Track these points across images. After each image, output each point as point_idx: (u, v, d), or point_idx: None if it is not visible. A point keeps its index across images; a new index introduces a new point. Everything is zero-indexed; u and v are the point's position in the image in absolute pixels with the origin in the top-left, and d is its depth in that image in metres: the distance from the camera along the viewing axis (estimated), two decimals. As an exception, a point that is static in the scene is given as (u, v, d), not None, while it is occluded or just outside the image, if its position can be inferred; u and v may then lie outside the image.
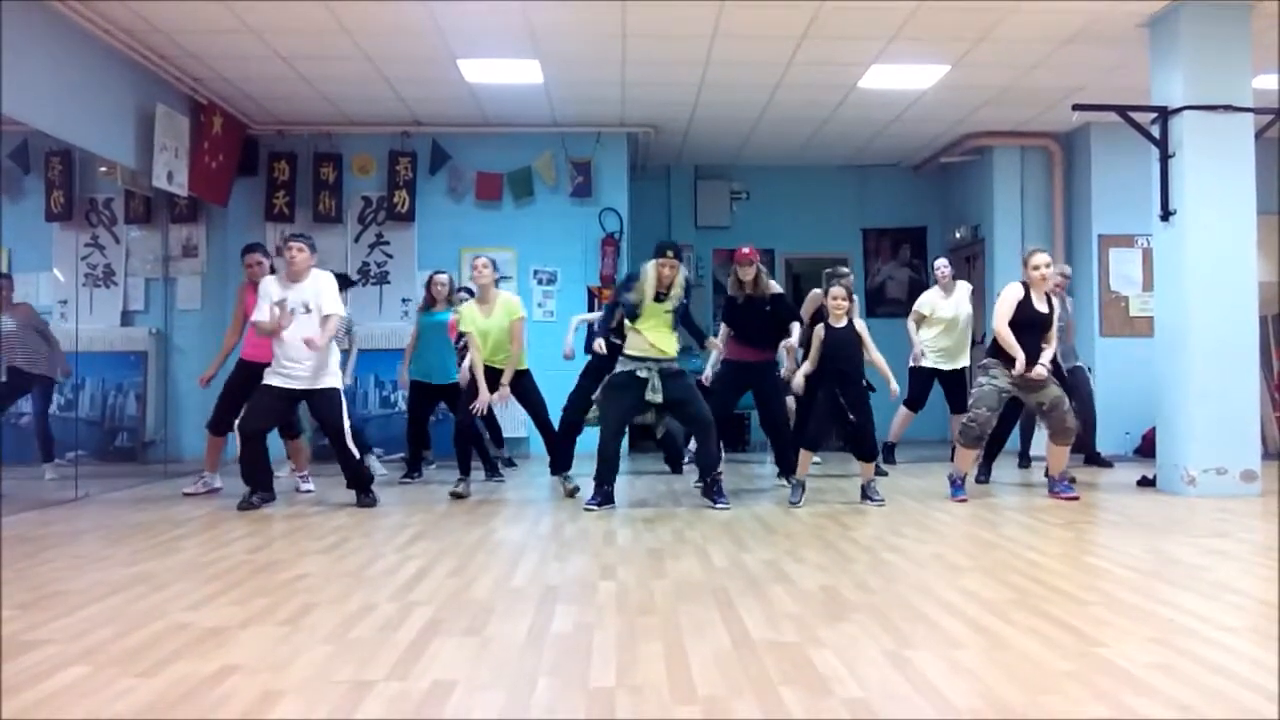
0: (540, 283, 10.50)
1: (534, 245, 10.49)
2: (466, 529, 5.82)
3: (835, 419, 6.85)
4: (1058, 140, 10.78)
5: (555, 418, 7.60)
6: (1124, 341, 10.20)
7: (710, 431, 6.73)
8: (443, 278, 8.44)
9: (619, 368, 6.70)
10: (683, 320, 6.82)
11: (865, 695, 2.82)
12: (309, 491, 7.43)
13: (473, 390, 7.14)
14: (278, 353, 6.65)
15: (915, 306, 9.07)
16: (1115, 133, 8.72)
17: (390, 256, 10.49)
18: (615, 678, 2.98)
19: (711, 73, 8.71)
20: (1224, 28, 7.10)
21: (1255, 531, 5.70)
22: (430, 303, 8.40)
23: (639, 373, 6.58)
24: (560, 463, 7.48)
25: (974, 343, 10.48)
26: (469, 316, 7.17)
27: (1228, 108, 7.10)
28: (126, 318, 9.96)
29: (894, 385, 6.87)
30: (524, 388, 7.35)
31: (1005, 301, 6.88)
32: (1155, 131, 7.34)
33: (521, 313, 7.28)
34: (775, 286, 7.72)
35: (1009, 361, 6.75)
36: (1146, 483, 7.52)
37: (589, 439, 7.24)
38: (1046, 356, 6.80)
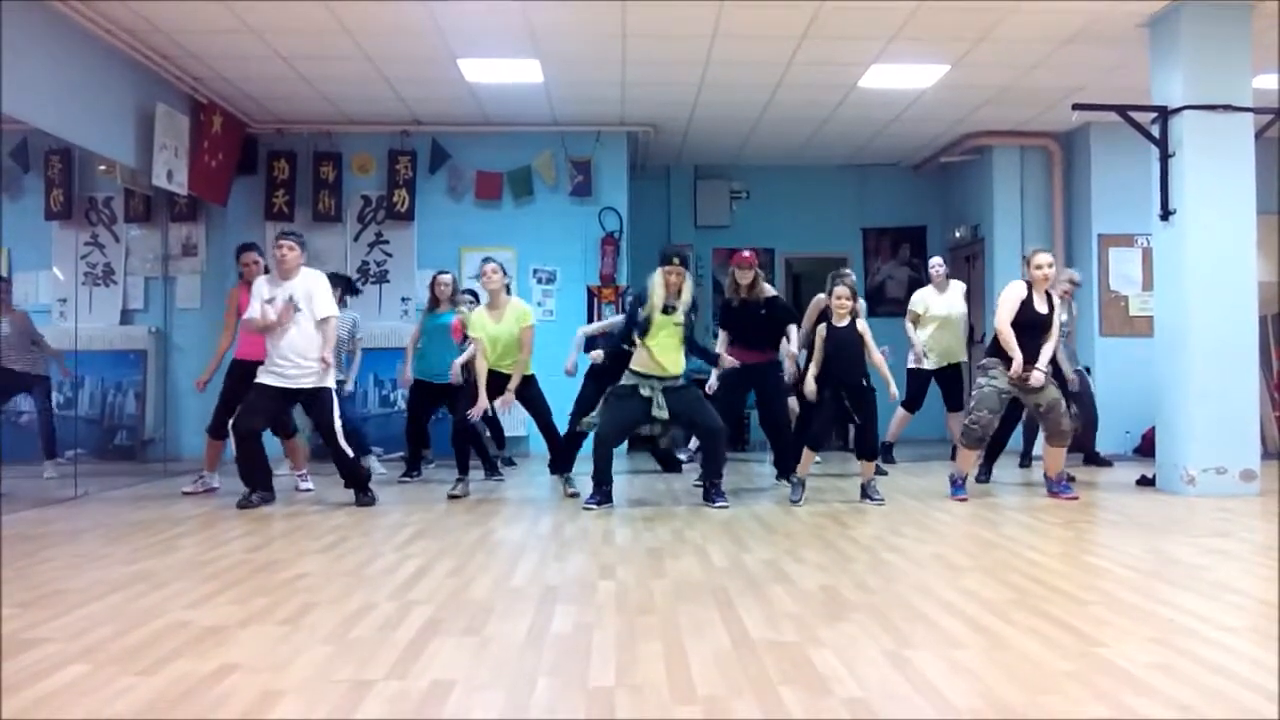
0: (540, 282, 10.50)
1: (534, 244, 10.49)
2: (466, 528, 5.82)
3: (839, 419, 6.86)
4: (1058, 140, 10.78)
5: (556, 420, 7.58)
6: (1124, 341, 10.20)
7: (720, 439, 6.72)
8: (446, 278, 8.44)
9: (624, 381, 6.69)
10: (690, 346, 6.74)
11: (865, 695, 2.82)
12: (308, 490, 7.43)
13: (471, 390, 7.14)
14: (270, 351, 6.65)
15: (910, 305, 9.10)
16: (1115, 132, 8.72)
17: (390, 256, 10.49)
18: (615, 677, 2.98)
19: (711, 72, 8.71)
20: (1224, 27, 7.10)
21: (1255, 531, 5.70)
22: (434, 304, 8.40)
23: (642, 390, 6.56)
24: (562, 463, 7.47)
25: (975, 341, 10.51)
26: (479, 322, 7.17)
27: (1228, 107, 7.10)
28: (126, 316, 9.97)
29: (893, 389, 6.89)
30: (529, 393, 7.33)
31: (1008, 300, 6.87)
32: (1155, 131, 7.34)
33: (532, 320, 7.28)
34: (770, 289, 7.71)
35: (1009, 361, 6.75)
36: (1146, 482, 7.53)
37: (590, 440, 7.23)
38: (1046, 356, 6.80)
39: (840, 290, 6.81)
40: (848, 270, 8.03)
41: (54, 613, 3.78)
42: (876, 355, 6.80)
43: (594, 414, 6.90)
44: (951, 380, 8.99)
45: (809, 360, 7.02)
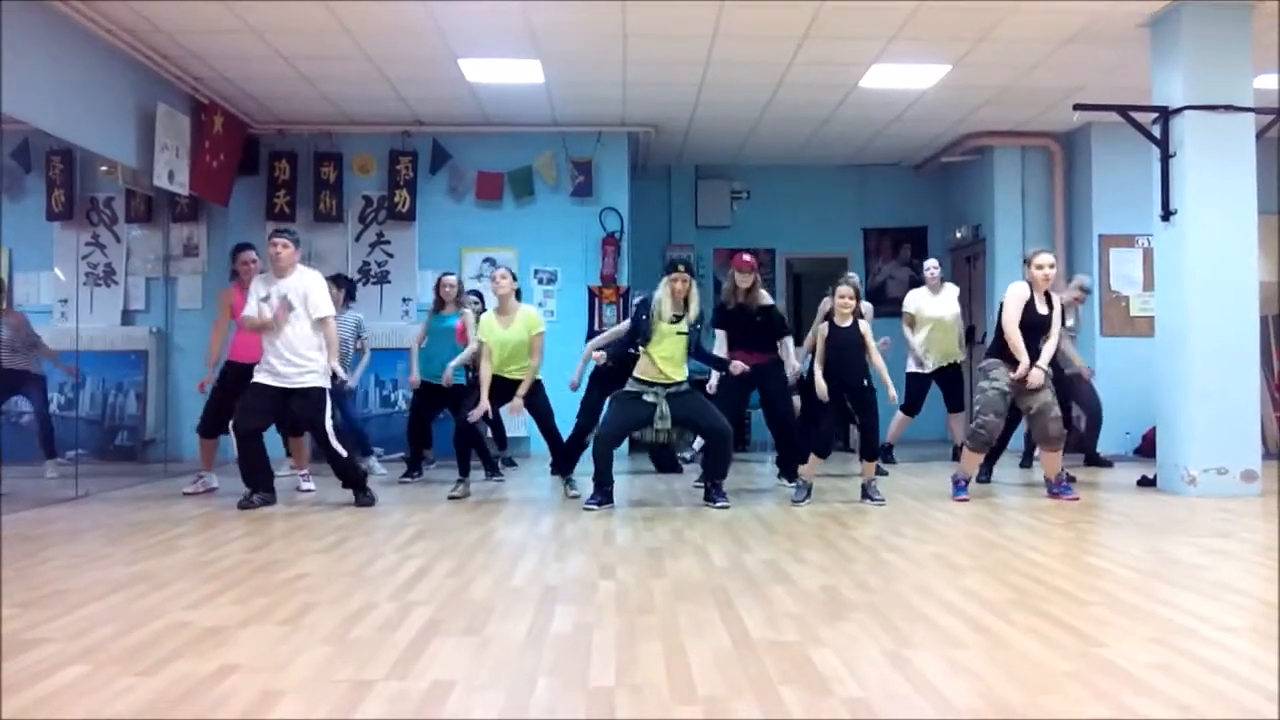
0: (541, 282, 10.49)
1: (534, 245, 10.49)
2: (466, 528, 5.82)
3: (840, 420, 6.86)
4: (1058, 140, 10.78)
5: (557, 421, 7.56)
6: (1124, 341, 10.19)
7: (727, 441, 6.72)
8: (451, 279, 8.44)
9: (628, 388, 6.69)
10: (698, 354, 6.75)
11: (865, 695, 2.82)
12: (309, 491, 7.43)
13: (474, 391, 7.15)
14: (267, 350, 6.65)
15: (904, 306, 9.09)
16: (1116, 132, 8.72)
17: (391, 256, 10.49)
18: (615, 677, 2.98)
19: (712, 73, 8.71)
20: (1225, 28, 7.10)
21: (1256, 531, 5.70)
22: (439, 305, 8.40)
23: (646, 397, 6.58)
24: (564, 464, 7.46)
25: (976, 342, 10.51)
26: (487, 326, 7.19)
27: (1228, 108, 7.10)
28: (127, 317, 9.97)
29: (892, 391, 6.90)
30: (535, 399, 7.32)
31: (1014, 301, 6.82)
32: (1156, 131, 7.34)
33: (542, 327, 7.30)
34: (767, 298, 7.67)
35: (1013, 362, 6.74)
36: (1147, 483, 7.52)
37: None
38: (1046, 357, 6.79)
39: (844, 290, 6.79)
40: (852, 273, 8.04)
41: (54, 613, 3.78)
42: (877, 358, 6.80)
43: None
44: (951, 381, 8.99)
45: (814, 362, 7.00)
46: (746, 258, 7.53)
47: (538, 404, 7.35)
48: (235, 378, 7.13)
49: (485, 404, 7.06)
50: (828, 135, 10.84)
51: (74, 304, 9.23)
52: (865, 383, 6.74)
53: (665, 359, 6.57)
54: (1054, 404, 6.78)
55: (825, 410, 6.79)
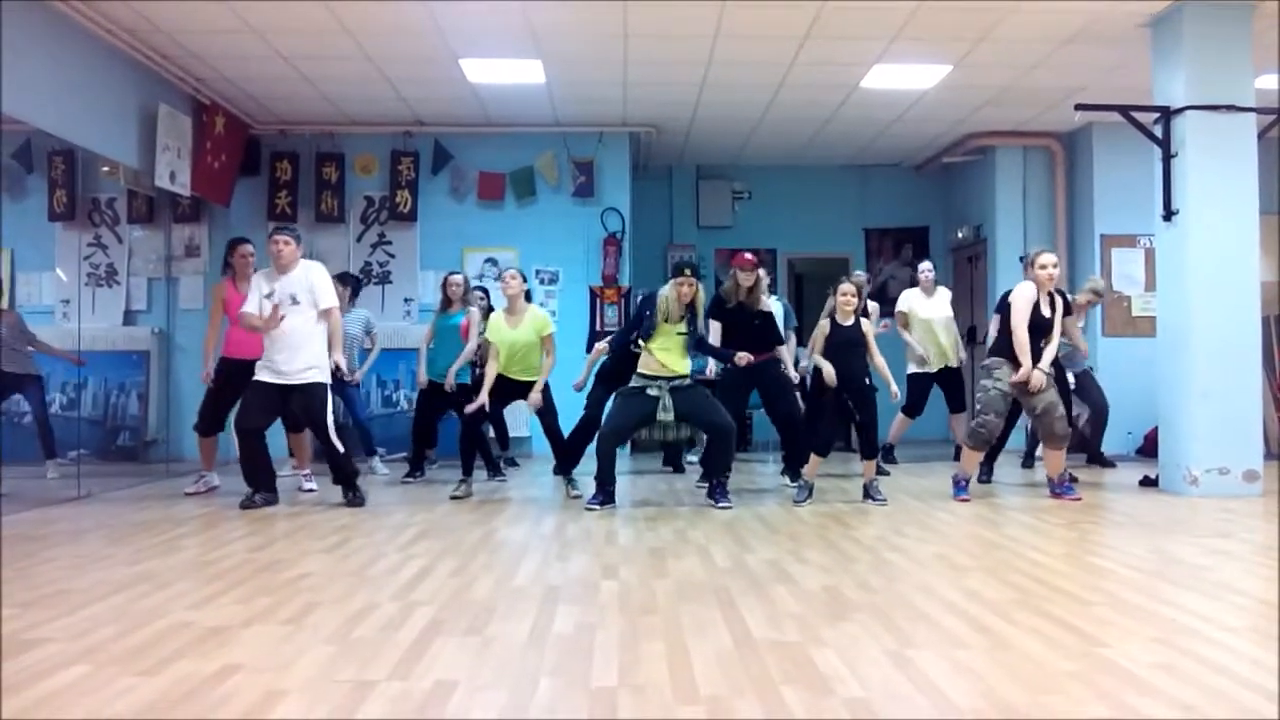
0: (542, 282, 10.49)
1: (536, 245, 10.49)
2: (469, 528, 5.82)
3: (840, 419, 6.85)
4: (1060, 140, 10.77)
5: (560, 423, 7.57)
6: (1126, 341, 10.19)
7: (730, 438, 6.72)
8: (457, 279, 8.44)
9: (632, 384, 6.71)
10: (700, 345, 6.79)
11: (867, 695, 2.82)
12: (311, 491, 7.43)
13: (479, 390, 7.18)
14: (268, 348, 6.63)
15: (897, 308, 9.09)
16: (1117, 133, 8.71)
17: (392, 256, 10.49)
18: (617, 677, 2.98)
19: (713, 73, 8.71)
20: (1226, 28, 7.10)
21: (1258, 532, 5.70)
22: (446, 304, 8.40)
23: (650, 390, 6.60)
24: (566, 463, 7.46)
25: (976, 342, 10.51)
26: (496, 327, 7.21)
27: (1230, 108, 7.10)
28: (129, 317, 9.98)
29: (894, 388, 6.90)
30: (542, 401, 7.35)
31: (1023, 302, 6.79)
32: (1158, 131, 7.34)
33: (552, 328, 7.33)
34: (766, 304, 7.62)
35: (1016, 362, 6.73)
36: (1149, 483, 7.52)
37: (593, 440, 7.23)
38: (1048, 358, 6.79)
39: (845, 287, 6.78)
40: (859, 271, 8.04)
41: (56, 613, 3.78)
42: (878, 357, 6.79)
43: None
44: (952, 381, 8.99)
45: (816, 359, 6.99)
46: (747, 255, 7.52)
47: (543, 405, 7.36)
48: (229, 374, 7.11)
49: (483, 399, 7.07)
50: (829, 135, 10.84)
51: (76, 304, 9.24)
52: (866, 381, 6.74)
53: (666, 354, 6.60)
54: (1059, 403, 6.79)
55: (826, 410, 6.79)
